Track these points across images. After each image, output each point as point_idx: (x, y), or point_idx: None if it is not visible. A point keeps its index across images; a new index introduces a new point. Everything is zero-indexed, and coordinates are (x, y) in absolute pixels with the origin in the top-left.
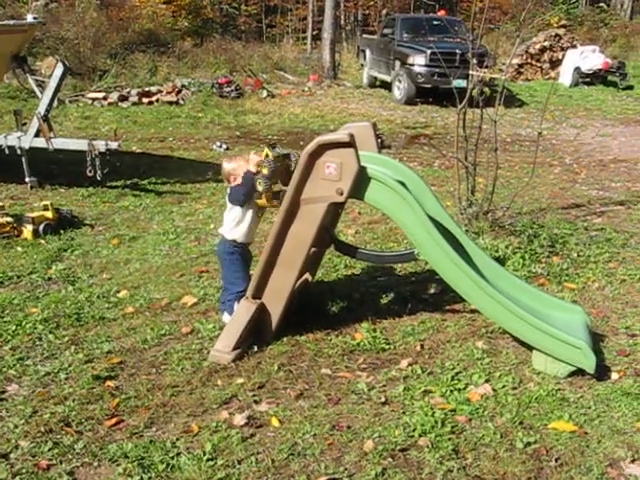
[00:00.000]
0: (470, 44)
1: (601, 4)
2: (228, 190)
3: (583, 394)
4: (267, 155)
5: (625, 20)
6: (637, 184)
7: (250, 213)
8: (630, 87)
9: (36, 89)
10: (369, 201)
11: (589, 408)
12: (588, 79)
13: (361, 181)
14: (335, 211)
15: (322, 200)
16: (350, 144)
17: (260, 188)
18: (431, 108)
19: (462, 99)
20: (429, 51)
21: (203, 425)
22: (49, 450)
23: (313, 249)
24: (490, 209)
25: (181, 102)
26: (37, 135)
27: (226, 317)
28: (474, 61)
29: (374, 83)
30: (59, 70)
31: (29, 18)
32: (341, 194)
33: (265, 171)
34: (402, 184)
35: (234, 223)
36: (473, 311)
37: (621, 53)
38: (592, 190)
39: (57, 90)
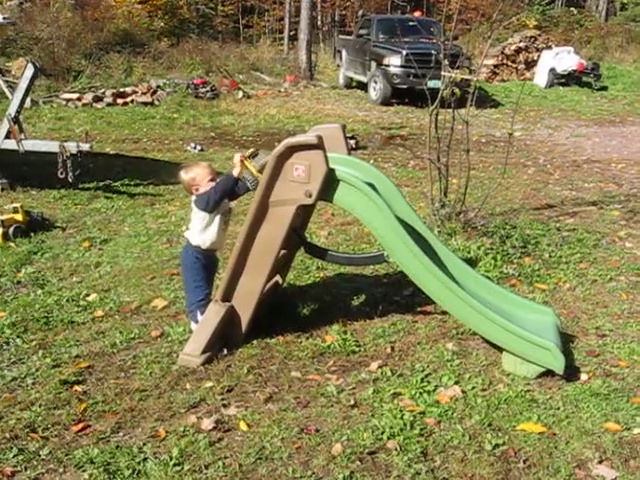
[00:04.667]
0: (442, 45)
1: (571, 8)
2: (193, 198)
3: (552, 395)
4: (247, 168)
5: (600, 21)
6: (610, 185)
7: (217, 219)
8: (604, 88)
9: (6, 90)
10: (338, 203)
11: (558, 409)
12: (563, 80)
13: (330, 183)
14: (305, 213)
15: (291, 202)
16: (318, 146)
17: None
18: (407, 109)
19: (435, 100)
20: (405, 52)
21: (171, 430)
22: (14, 457)
23: (283, 251)
24: (462, 210)
25: (156, 103)
26: (7, 137)
27: (193, 326)
28: (446, 62)
29: (350, 84)
30: (29, 71)
31: None
32: (310, 196)
33: (249, 186)
34: (371, 186)
35: (200, 228)
36: (444, 313)
37: (596, 54)
38: (565, 190)
39: (28, 91)
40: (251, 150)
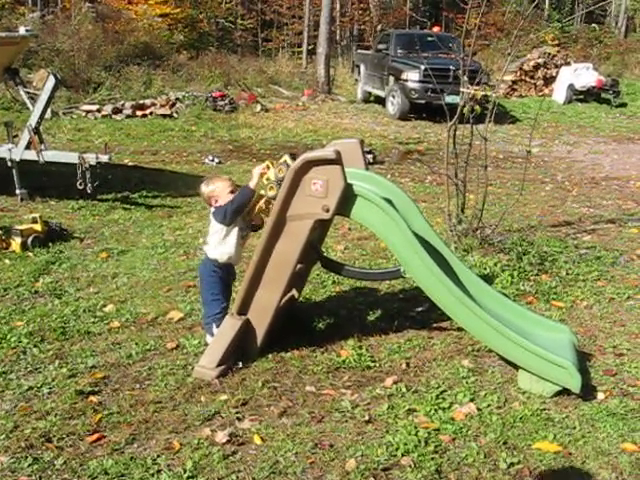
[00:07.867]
0: (461, 61)
1: (593, 25)
2: (212, 210)
3: (568, 414)
4: (285, 161)
5: (619, 38)
6: (628, 202)
7: (235, 232)
8: (623, 105)
9: (27, 101)
10: (355, 218)
11: (574, 428)
12: (582, 96)
13: (347, 198)
14: (322, 228)
15: (308, 217)
16: (336, 161)
17: (271, 193)
18: (424, 124)
19: (453, 116)
20: (423, 67)
21: (185, 442)
22: (29, 466)
23: (299, 265)
24: (479, 226)
25: (175, 115)
26: (28, 147)
27: (209, 339)
28: (465, 78)
29: (368, 98)
30: (50, 82)
31: (21, 30)
32: (327, 211)
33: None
34: (388, 201)
35: (218, 241)
36: (460, 329)
37: (615, 71)
38: (583, 208)
39: (48, 102)
40: (290, 153)
